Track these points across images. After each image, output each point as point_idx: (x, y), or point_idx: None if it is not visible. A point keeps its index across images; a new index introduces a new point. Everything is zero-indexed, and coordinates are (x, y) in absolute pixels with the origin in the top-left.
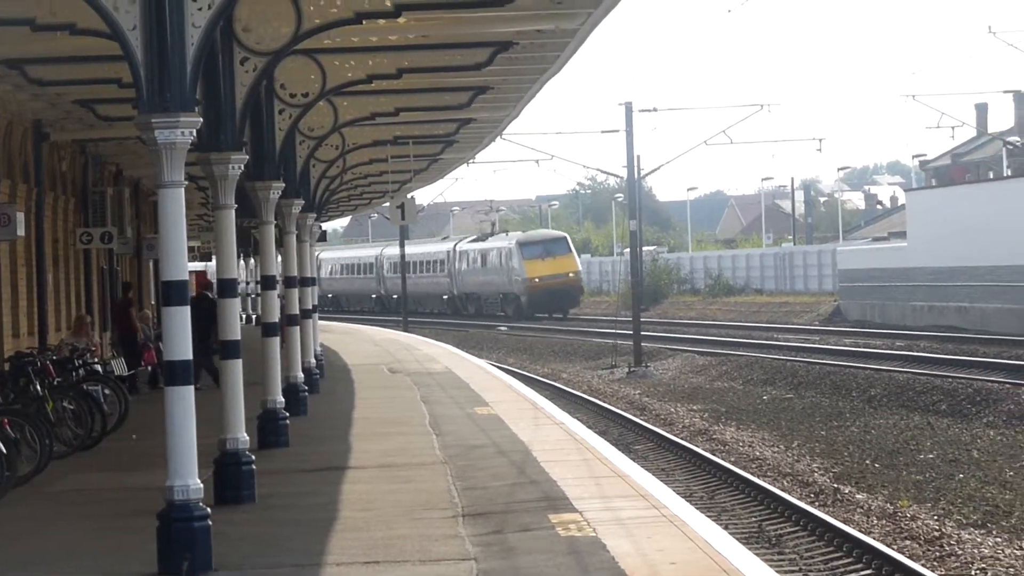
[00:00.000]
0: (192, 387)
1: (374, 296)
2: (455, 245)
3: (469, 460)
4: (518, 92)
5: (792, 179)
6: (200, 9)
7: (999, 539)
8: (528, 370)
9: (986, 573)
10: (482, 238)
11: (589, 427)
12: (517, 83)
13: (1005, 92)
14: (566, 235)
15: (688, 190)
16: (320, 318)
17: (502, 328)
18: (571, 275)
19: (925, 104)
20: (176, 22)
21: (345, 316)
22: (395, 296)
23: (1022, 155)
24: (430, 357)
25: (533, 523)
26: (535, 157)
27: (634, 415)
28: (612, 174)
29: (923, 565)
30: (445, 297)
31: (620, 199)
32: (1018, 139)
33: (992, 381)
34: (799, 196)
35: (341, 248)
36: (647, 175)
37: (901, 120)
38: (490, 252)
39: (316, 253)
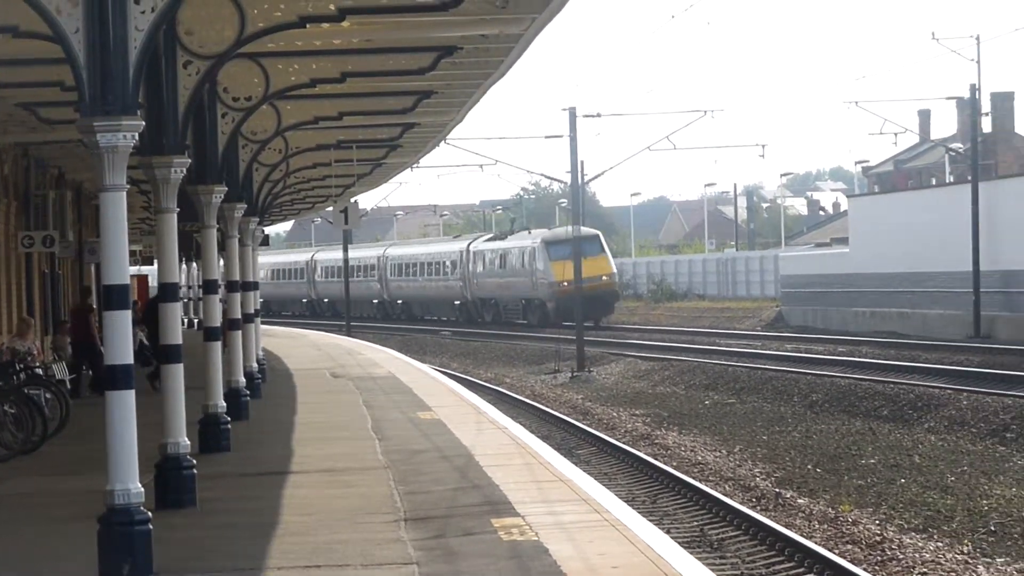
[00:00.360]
0: (132, 391)
1: (376, 301)
2: (469, 244)
3: (412, 465)
4: (462, 97)
5: (735, 185)
6: (143, 12)
7: (940, 544)
8: (472, 375)
9: None
10: (500, 236)
11: (532, 432)
12: (461, 88)
13: (948, 99)
14: (599, 232)
15: (631, 195)
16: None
17: (445, 332)
18: (605, 278)
19: (868, 110)
20: (119, 25)
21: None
22: (398, 301)
23: (965, 162)
24: (373, 362)
25: (475, 527)
26: (479, 162)
27: (577, 420)
28: (556, 179)
29: (865, 569)
30: (457, 303)
31: (564, 204)
32: (961, 146)
33: (933, 387)
34: (742, 202)
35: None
36: (591, 180)
37: (844, 126)
38: (510, 252)
39: (311, 255)
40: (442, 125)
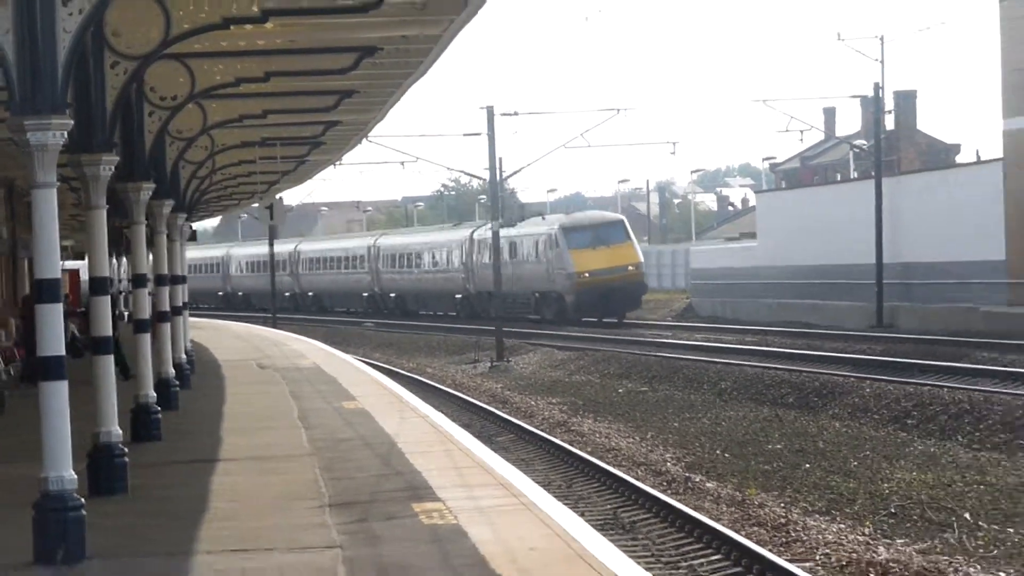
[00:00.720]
0: (65, 382)
1: (366, 295)
2: (472, 232)
3: (336, 452)
4: (383, 96)
5: (647, 181)
6: (71, 14)
7: (843, 525)
8: (394, 365)
9: (830, 558)
10: (508, 223)
11: (452, 420)
12: (382, 87)
13: (853, 97)
14: (623, 218)
15: (548, 192)
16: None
17: (368, 324)
18: (631, 268)
19: (775, 108)
20: (47, 27)
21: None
22: (391, 294)
23: (868, 158)
24: (299, 353)
25: (397, 512)
26: (400, 159)
27: (496, 408)
28: (475, 176)
29: (770, 550)
30: (458, 296)
31: (483, 200)
32: (865, 142)
33: (837, 375)
34: (654, 198)
35: (330, 240)
36: (509, 177)
37: (752, 124)
38: (522, 241)
39: (295, 246)
40: (364, 123)
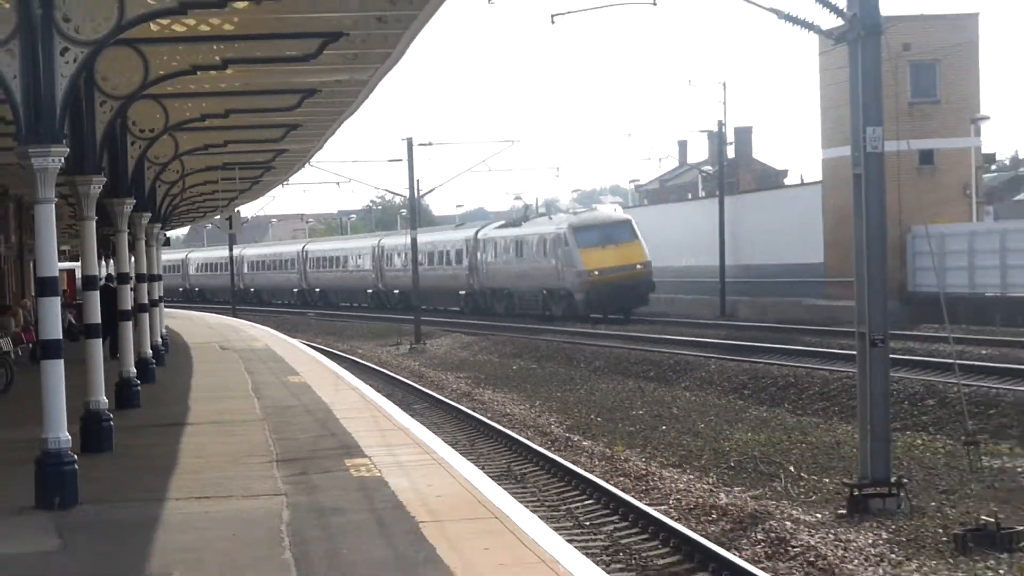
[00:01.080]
0: (61, 360)
1: (371, 291)
2: (477, 232)
3: (283, 418)
4: (322, 128)
5: (536, 198)
6: (67, 63)
7: (691, 476)
8: (332, 347)
9: (680, 502)
10: (514, 223)
11: (379, 391)
12: (321, 121)
13: (701, 131)
14: (630, 217)
15: (456, 207)
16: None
17: (310, 314)
18: (639, 266)
19: (640, 140)
20: (48, 73)
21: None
22: (395, 291)
23: (713, 181)
24: (253, 337)
25: (332, 466)
26: (336, 179)
27: (414, 381)
28: (397, 194)
29: (632, 496)
30: (462, 293)
31: (404, 213)
32: (711, 168)
33: (689, 354)
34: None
35: (336, 240)
36: (424, 195)
37: (621, 152)
38: (529, 240)
39: (303, 246)
40: (306, 151)
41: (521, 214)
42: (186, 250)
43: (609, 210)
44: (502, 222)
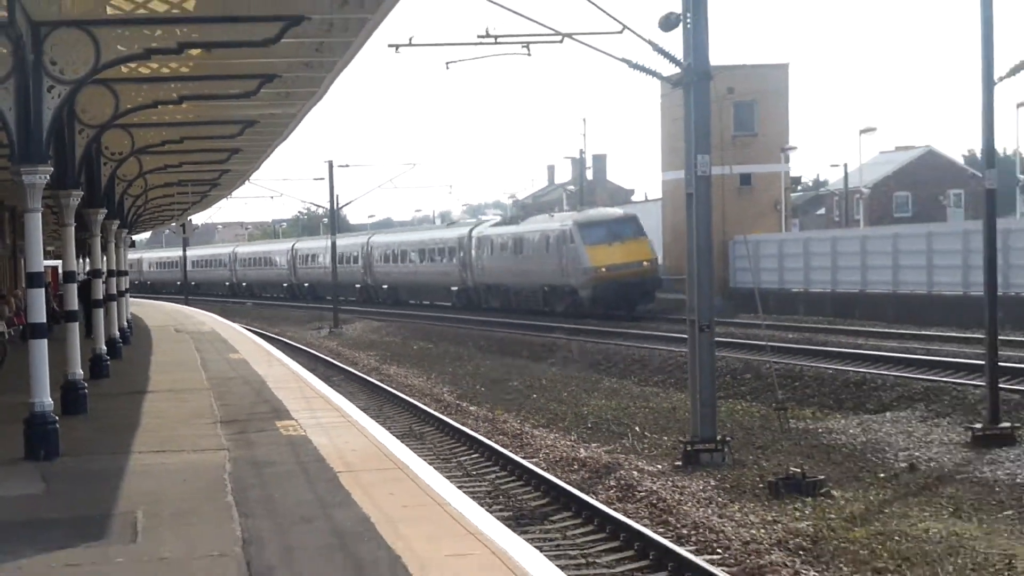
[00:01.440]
0: (45, 340)
1: (285, 284)
2: (471, 231)
3: (225, 387)
4: (259, 152)
5: (433, 211)
6: (53, 98)
7: (557, 435)
8: (266, 331)
9: (548, 455)
10: (509, 220)
11: (304, 366)
12: (258, 147)
13: (566, 157)
14: (635, 214)
15: (368, 216)
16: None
17: (248, 303)
18: (646, 263)
19: (517, 163)
20: (37, 106)
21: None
22: (383, 286)
23: (575, 197)
24: (201, 322)
25: (265, 427)
26: (271, 194)
27: (333, 359)
28: (320, 206)
29: (509, 450)
30: (454, 288)
31: (326, 222)
32: (573, 188)
33: (557, 337)
34: (438, 222)
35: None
36: (343, 207)
37: (502, 173)
38: (530, 237)
39: (292, 244)
40: (246, 170)
41: (516, 212)
42: (141, 252)
43: (610, 209)
44: (497, 220)
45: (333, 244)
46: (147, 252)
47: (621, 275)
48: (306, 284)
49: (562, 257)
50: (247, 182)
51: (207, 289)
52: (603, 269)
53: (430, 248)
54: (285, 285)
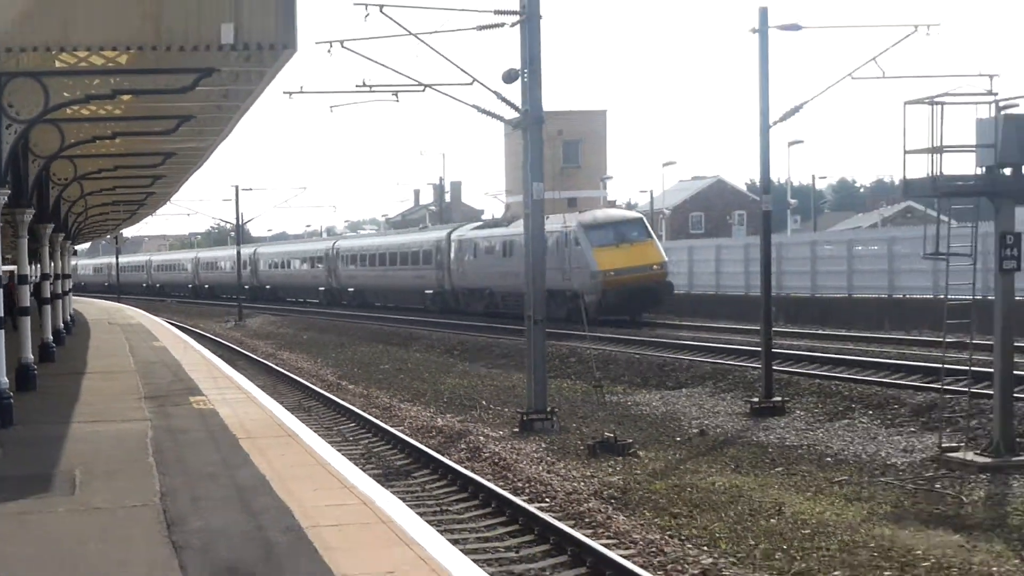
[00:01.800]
0: (3, 331)
1: (190, 285)
2: (450, 233)
3: (149, 370)
4: (178, 178)
5: (321, 225)
6: (10, 135)
7: (419, 408)
8: (183, 323)
9: (412, 424)
10: (493, 223)
11: (213, 352)
12: (177, 174)
13: (429, 183)
14: (642, 215)
15: (268, 231)
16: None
17: (170, 301)
18: (656, 267)
19: (389, 186)
20: None
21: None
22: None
23: (436, 217)
24: (130, 317)
25: (181, 402)
26: (187, 212)
27: (236, 346)
28: (228, 221)
29: (380, 420)
30: (429, 292)
31: (233, 235)
32: (435, 208)
33: (420, 328)
34: (324, 235)
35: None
36: (247, 223)
37: (377, 195)
38: (523, 240)
39: (254, 249)
40: (168, 192)
41: (499, 216)
42: (82, 259)
43: (615, 210)
44: (479, 223)
45: (238, 253)
46: (85, 259)
47: (632, 279)
48: (206, 286)
49: (564, 260)
50: (169, 202)
51: (129, 289)
52: (612, 273)
53: (402, 252)
54: (190, 286)
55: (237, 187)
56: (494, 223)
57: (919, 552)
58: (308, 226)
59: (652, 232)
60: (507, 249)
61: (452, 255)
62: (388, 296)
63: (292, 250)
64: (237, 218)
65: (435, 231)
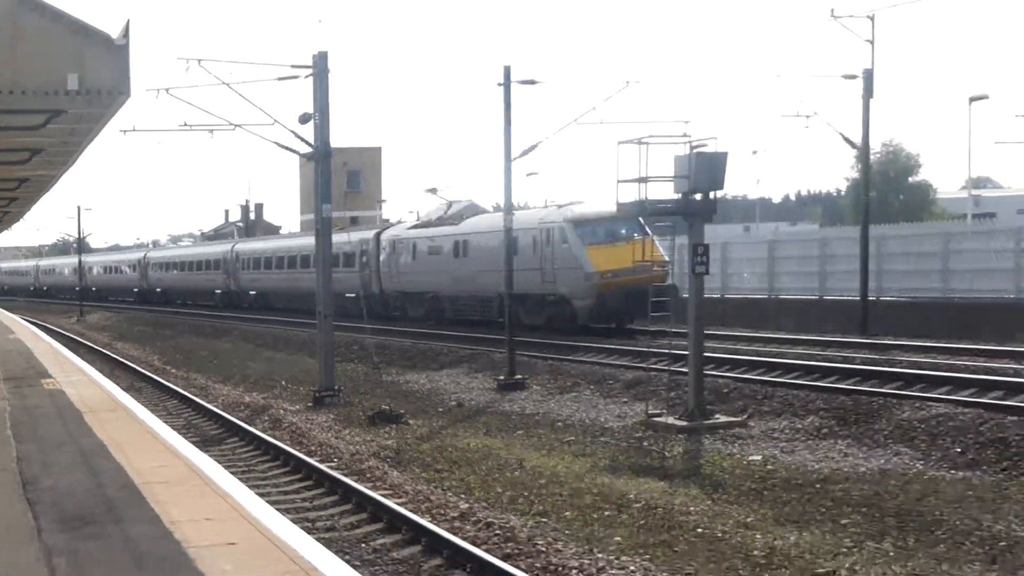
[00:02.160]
0: None
1: (220, 291)
2: (378, 234)
3: (6, 357)
4: (30, 200)
5: (149, 238)
6: None
7: (231, 387)
8: (35, 319)
9: (224, 401)
10: (435, 223)
11: (60, 342)
12: (29, 198)
13: (237, 204)
14: None
15: (104, 242)
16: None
17: (19, 300)
18: (657, 268)
19: (206, 205)
20: None
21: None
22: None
23: (242, 231)
24: None
25: (34, 383)
26: (38, 227)
27: (79, 337)
28: (71, 235)
29: (198, 398)
30: (351, 296)
31: (75, 247)
32: (242, 224)
33: (230, 324)
34: (150, 245)
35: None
36: (87, 236)
37: (196, 212)
38: (479, 240)
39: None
40: (23, 212)
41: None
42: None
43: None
44: (414, 223)
45: (80, 262)
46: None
47: (629, 281)
48: (45, 287)
49: (545, 261)
50: (22, 220)
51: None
52: (608, 275)
53: (314, 255)
54: (31, 288)
55: (80, 207)
56: (436, 222)
57: (632, 496)
58: (138, 239)
59: (647, 228)
60: (460, 249)
61: (383, 257)
62: (300, 300)
63: (187, 253)
64: (79, 231)
65: (357, 232)
